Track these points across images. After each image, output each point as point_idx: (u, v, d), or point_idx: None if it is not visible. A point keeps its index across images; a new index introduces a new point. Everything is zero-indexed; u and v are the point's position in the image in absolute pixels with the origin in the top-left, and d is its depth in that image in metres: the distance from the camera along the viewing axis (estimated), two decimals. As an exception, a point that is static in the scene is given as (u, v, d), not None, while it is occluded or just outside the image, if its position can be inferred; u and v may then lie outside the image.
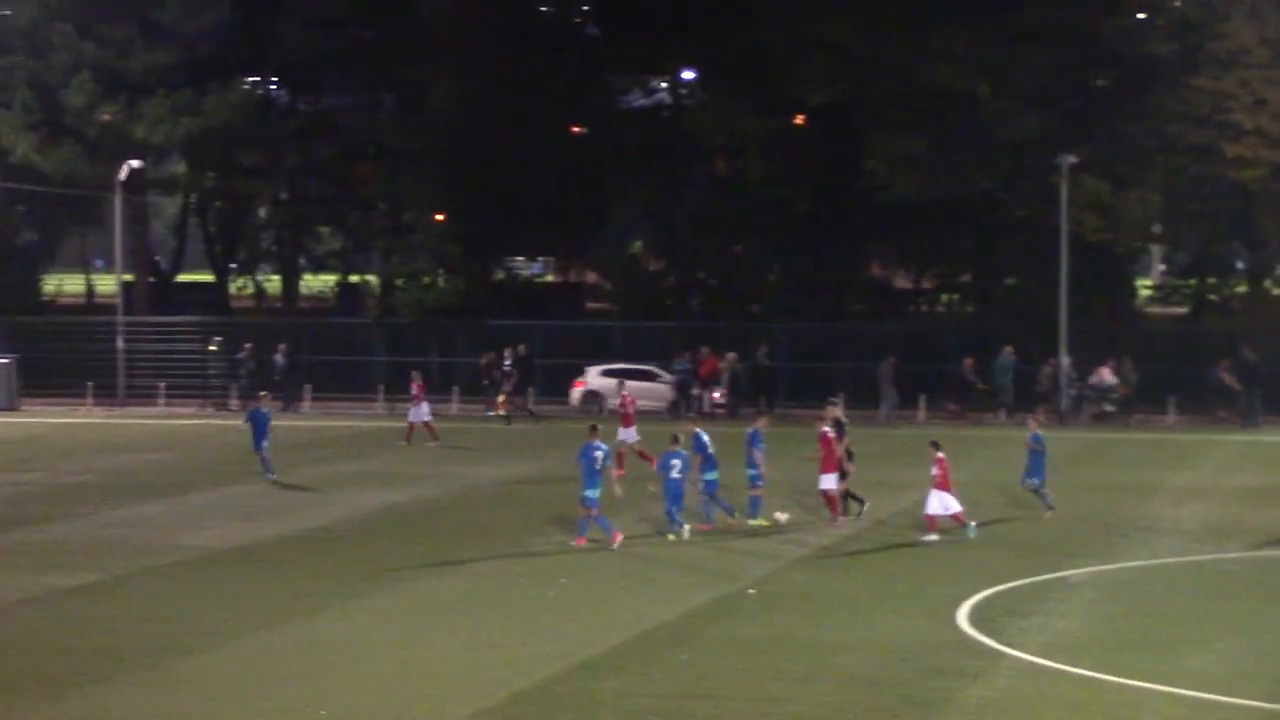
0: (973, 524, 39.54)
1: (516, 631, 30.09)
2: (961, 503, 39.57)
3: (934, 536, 39.03)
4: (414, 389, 63.56)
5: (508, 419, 68.14)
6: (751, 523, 41.81)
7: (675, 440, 40.60)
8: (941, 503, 39.22)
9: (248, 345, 78.01)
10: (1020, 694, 25.70)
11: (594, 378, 75.64)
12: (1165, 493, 48.31)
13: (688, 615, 31.53)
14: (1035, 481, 42.41)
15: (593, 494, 38.26)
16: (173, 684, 26.60)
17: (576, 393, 76.03)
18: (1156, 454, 58.78)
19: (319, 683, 26.45)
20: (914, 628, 30.35)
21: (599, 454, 38.71)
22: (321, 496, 47.20)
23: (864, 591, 33.83)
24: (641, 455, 49.43)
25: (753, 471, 42.01)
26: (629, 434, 50.82)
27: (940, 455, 39.38)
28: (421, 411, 62.45)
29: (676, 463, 39.85)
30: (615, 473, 42.31)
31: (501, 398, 70.08)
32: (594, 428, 40.04)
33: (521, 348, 76.20)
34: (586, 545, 38.31)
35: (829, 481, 41.23)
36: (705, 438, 41.38)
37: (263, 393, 58.76)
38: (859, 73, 79.25)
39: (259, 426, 49.23)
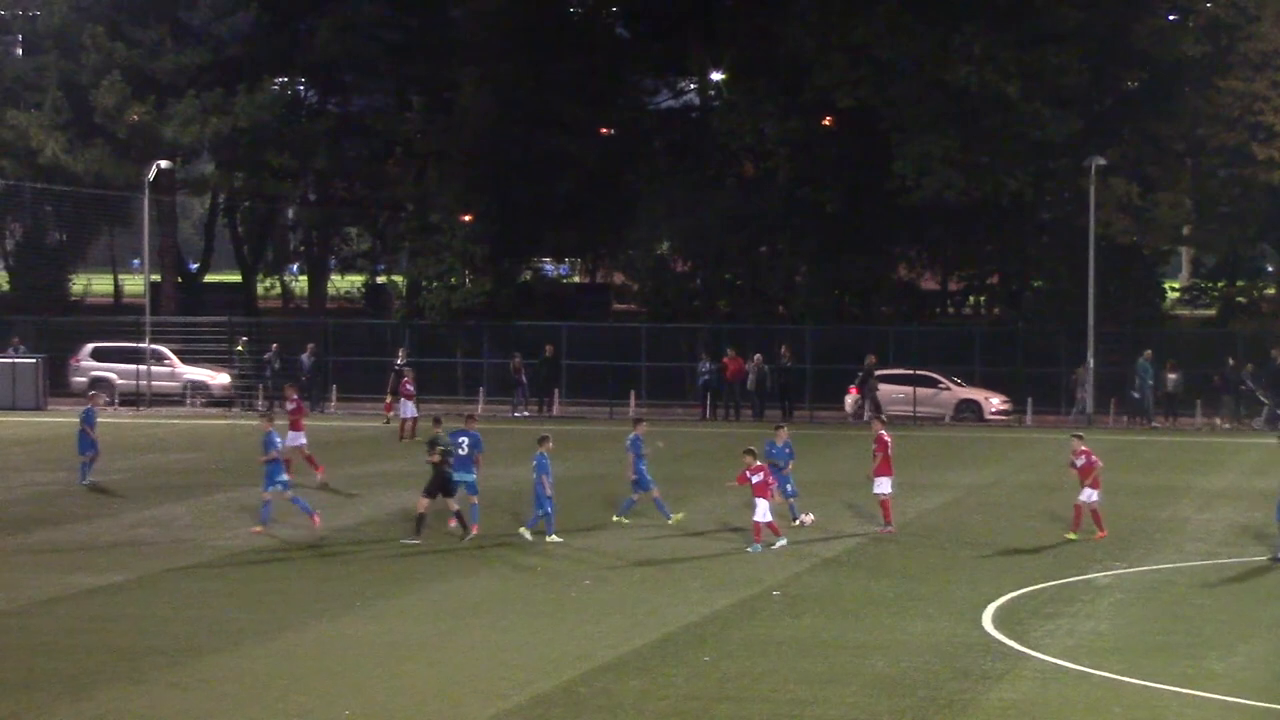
0: (781, 541, 39.00)
1: (540, 632, 30.05)
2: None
3: (757, 547, 38.39)
4: (405, 387, 64.82)
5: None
6: (616, 518, 42.36)
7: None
8: (764, 512, 38.60)
9: (274, 346, 78.19)
10: (1045, 697, 25.62)
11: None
12: (1193, 495, 48.18)
13: (712, 617, 31.47)
14: None
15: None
16: (198, 684, 26.59)
17: (850, 400, 74.17)
18: (1183, 457, 58.63)
19: (343, 683, 26.45)
20: (939, 630, 30.29)
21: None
22: (347, 497, 47.21)
23: (888, 594, 33.76)
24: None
25: (635, 476, 41.91)
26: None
27: (759, 464, 38.92)
28: (408, 409, 64.03)
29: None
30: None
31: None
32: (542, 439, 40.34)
33: (548, 349, 76.39)
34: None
35: (884, 485, 40.94)
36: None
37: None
38: (887, 74, 79.20)
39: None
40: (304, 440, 50.03)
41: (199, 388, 78.40)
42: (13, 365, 75.35)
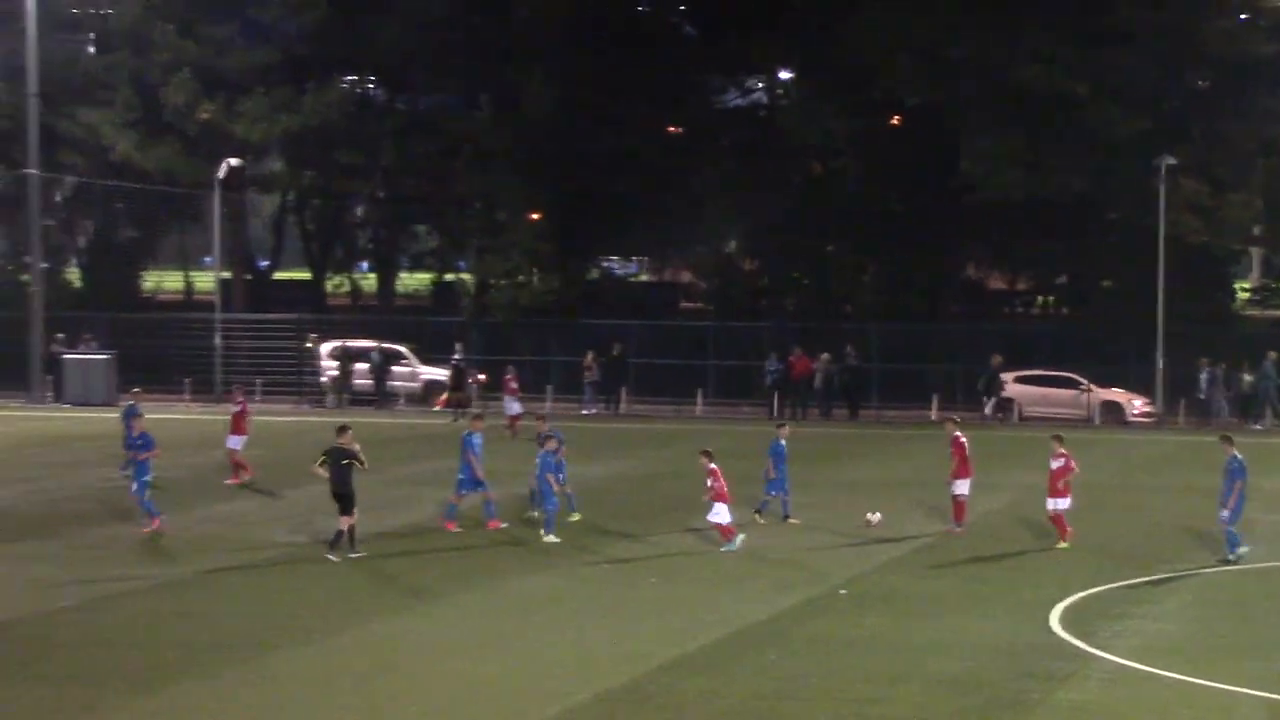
0: (740, 537, 38.66)
1: (605, 630, 30.09)
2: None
3: (741, 538, 38.41)
4: (508, 385, 65.11)
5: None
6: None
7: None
8: (720, 514, 38.40)
9: (343, 342, 78.52)
10: (1112, 697, 25.53)
11: (1008, 384, 73.71)
12: (1258, 497, 47.83)
13: (777, 615, 31.46)
14: None
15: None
16: (265, 678, 26.71)
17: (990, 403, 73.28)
18: (1249, 458, 58.14)
19: (409, 679, 26.54)
20: (1004, 630, 30.22)
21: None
22: (415, 493, 47.27)
23: (954, 593, 33.71)
24: None
25: (462, 476, 41.16)
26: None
27: (713, 466, 38.67)
28: (513, 405, 64.33)
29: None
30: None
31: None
32: None
33: (616, 347, 76.49)
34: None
35: (962, 487, 40.74)
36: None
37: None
38: (953, 73, 79.09)
39: None
40: (240, 444, 50.11)
41: (437, 386, 77.20)
42: (85, 361, 75.83)
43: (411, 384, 78.19)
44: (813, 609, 32.17)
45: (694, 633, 29.72)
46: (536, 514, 40.54)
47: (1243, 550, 37.27)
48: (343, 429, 38.55)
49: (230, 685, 26.16)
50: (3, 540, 39.42)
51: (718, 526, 38.50)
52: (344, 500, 37.14)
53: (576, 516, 41.56)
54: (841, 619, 31.24)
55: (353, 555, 36.87)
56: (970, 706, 24.94)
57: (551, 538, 39.29)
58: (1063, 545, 38.55)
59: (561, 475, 40.69)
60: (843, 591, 33.77)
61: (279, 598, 33.25)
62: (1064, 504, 38.91)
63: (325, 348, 79.11)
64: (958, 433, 41.33)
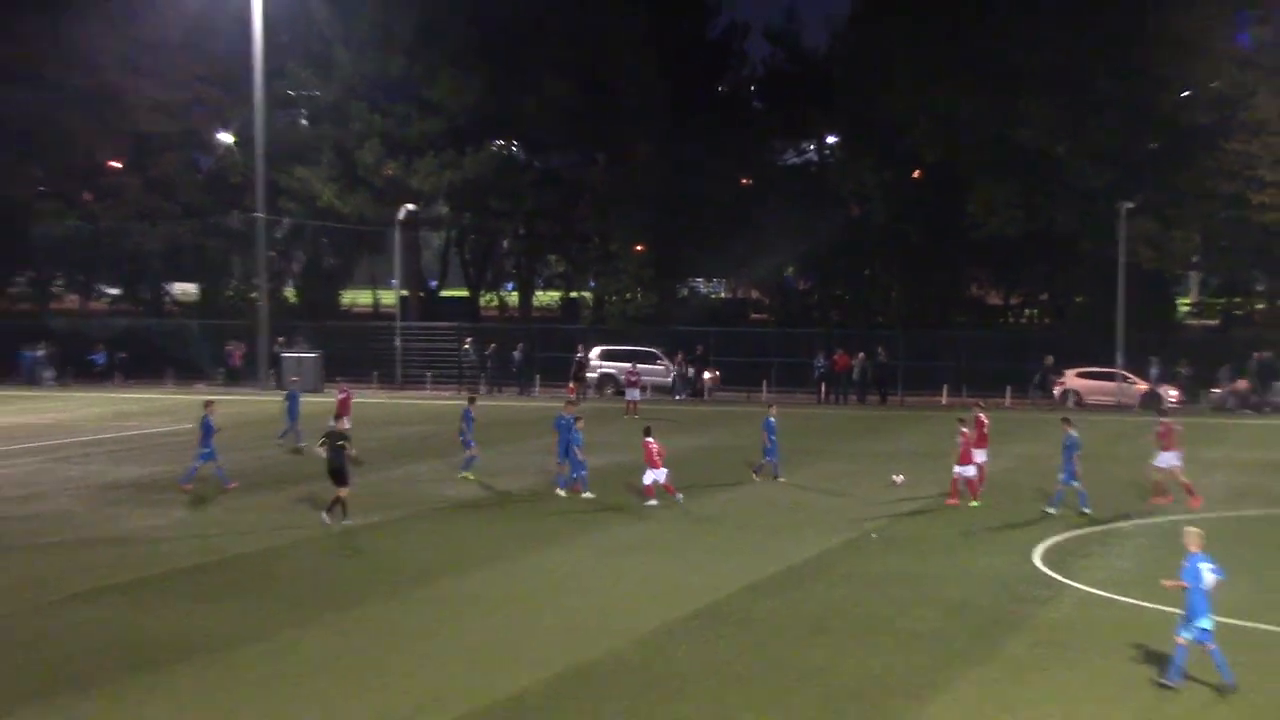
0: (680, 494, 38.26)
1: (691, 567, 30.13)
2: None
3: (653, 502, 37.84)
4: (629, 377, 66.46)
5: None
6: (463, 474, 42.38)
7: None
8: (655, 475, 38.00)
9: (493, 344, 78.87)
10: (1082, 617, 25.48)
11: (1070, 379, 71.42)
12: (1198, 464, 47.49)
13: (823, 554, 31.49)
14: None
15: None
16: (437, 600, 26.94)
17: (1059, 390, 71.21)
18: (1190, 434, 57.67)
19: (541, 601, 26.70)
20: (1000, 565, 30.16)
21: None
22: (546, 461, 47.50)
23: (961, 537, 33.62)
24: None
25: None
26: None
27: (649, 440, 38.26)
28: (632, 393, 65.51)
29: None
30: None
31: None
32: None
33: (699, 348, 76.61)
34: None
35: (980, 456, 39.36)
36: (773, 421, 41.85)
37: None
38: (962, 136, 78.86)
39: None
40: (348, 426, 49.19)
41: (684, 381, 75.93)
42: (298, 358, 76.57)
43: (664, 380, 75.88)
44: (850, 549, 32.17)
45: (761, 567, 29.78)
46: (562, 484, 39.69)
47: (1085, 510, 36.44)
48: (339, 416, 37.85)
49: (401, 606, 26.40)
50: (236, 494, 39.86)
51: (650, 485, 38.06)
52: (337, 475, 34.55)
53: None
54: (873, 557, 31.25)
55: (344, 523, 34.69)
56: (973, 624, 24.94)
57: (589, 494, 38.96)
58: (974, 504, 37.78)
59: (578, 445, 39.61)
60: (874, 536, 33.76)
61: (443, 540, 33.47)
62: (970, 470, 38.14)
63: (595, 351, 77.25)
64: (981, 414, 40.99)
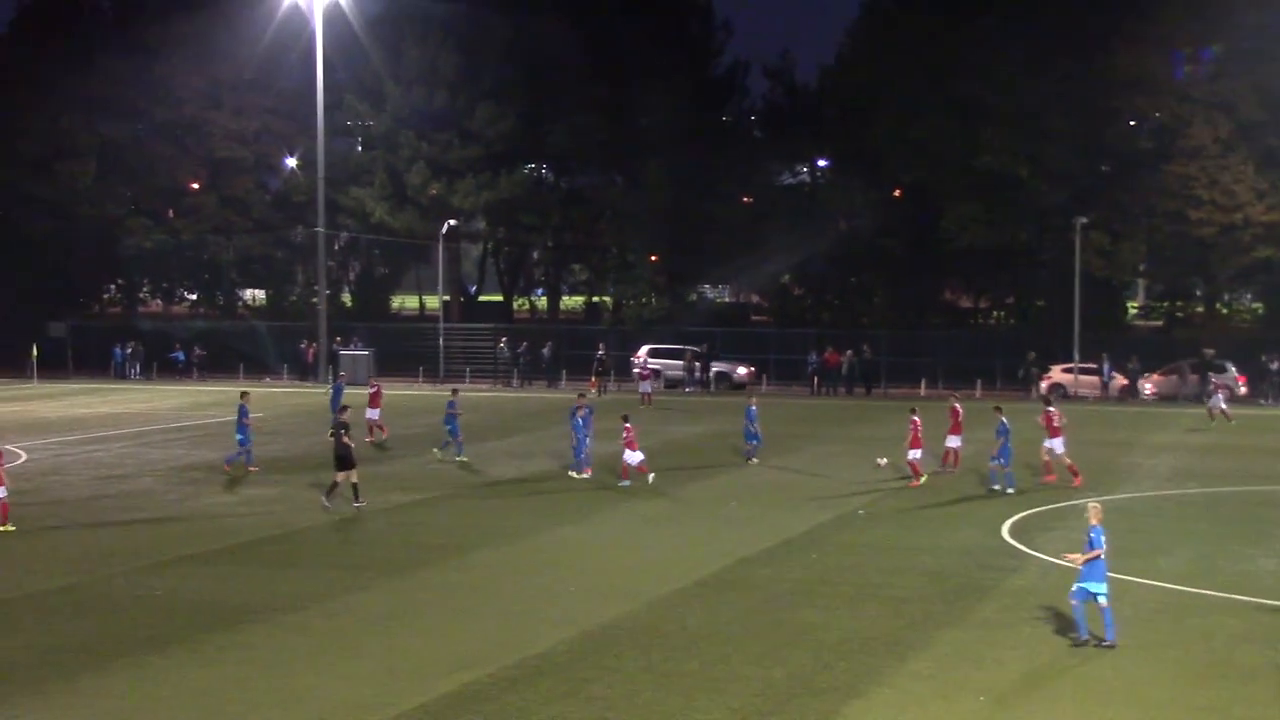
0: (651, 475, 37.73)
1: (699, 538, 30.07)
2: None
3: (626, 483, 37.46)
4: (641, 371, 65.15)
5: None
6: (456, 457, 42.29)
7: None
8: (631, 458, 37.63)
9: (524, 343, 78.77)
10: (1044, 583, 25.31)
11: (1057, 373, 70.15)
12: (1144, 448, 47.33)
13: (815, 528, 31.34)
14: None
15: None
16: (478, 567, 26.90)
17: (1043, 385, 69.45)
18: (1138, 420, 57.57)
19: (565, 570, 26.61)
20: (971, 537, 30.00)
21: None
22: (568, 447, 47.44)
23: (937, 512, 33.45)
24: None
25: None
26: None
27: (627, 425, 37.89)
28: (645, 385, 65.13)
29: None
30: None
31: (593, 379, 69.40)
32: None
33: (705, 346, 76.39)
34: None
35: (954, 441, 39.27)
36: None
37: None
38: (936, 160, 78.69)
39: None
40: (378, 415, 47.97)
41: (723, 376, 75.03)
42: (353, 355, 76.58)
43: (707, 375, 75.11)
44: (840, 523, 32.02)
45: (760, 539, 29.67)
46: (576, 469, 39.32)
47: (1010, 490, 36.02)
48: (343, 408, 36.32)
49: (442, 573, 26.37)
50: (304, 473, 39.82)
51: (626, 466, 37.71)
52: (341, 460, 33.24)
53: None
54: (860, 530, 31.10)
55: (327, 504, 33.48)
56: (948, 589, 24.79)
57: (587, 474, 38.55)
58: (918, 484, 37.26)
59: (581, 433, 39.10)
60: (861, 512, 33.59)
61: (481, 515, 33.39)
62: (918, 453, 37.63)
63: (643, 350, 74.57)
64: (956, 404, 40.76)
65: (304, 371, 79.72)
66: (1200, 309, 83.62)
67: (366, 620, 22.52)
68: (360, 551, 28.49)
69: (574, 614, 22.76)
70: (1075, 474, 37.54)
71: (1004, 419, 36.67)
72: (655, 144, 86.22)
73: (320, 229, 79.24)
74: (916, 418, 38.20)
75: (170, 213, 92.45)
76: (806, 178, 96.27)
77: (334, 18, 75.98)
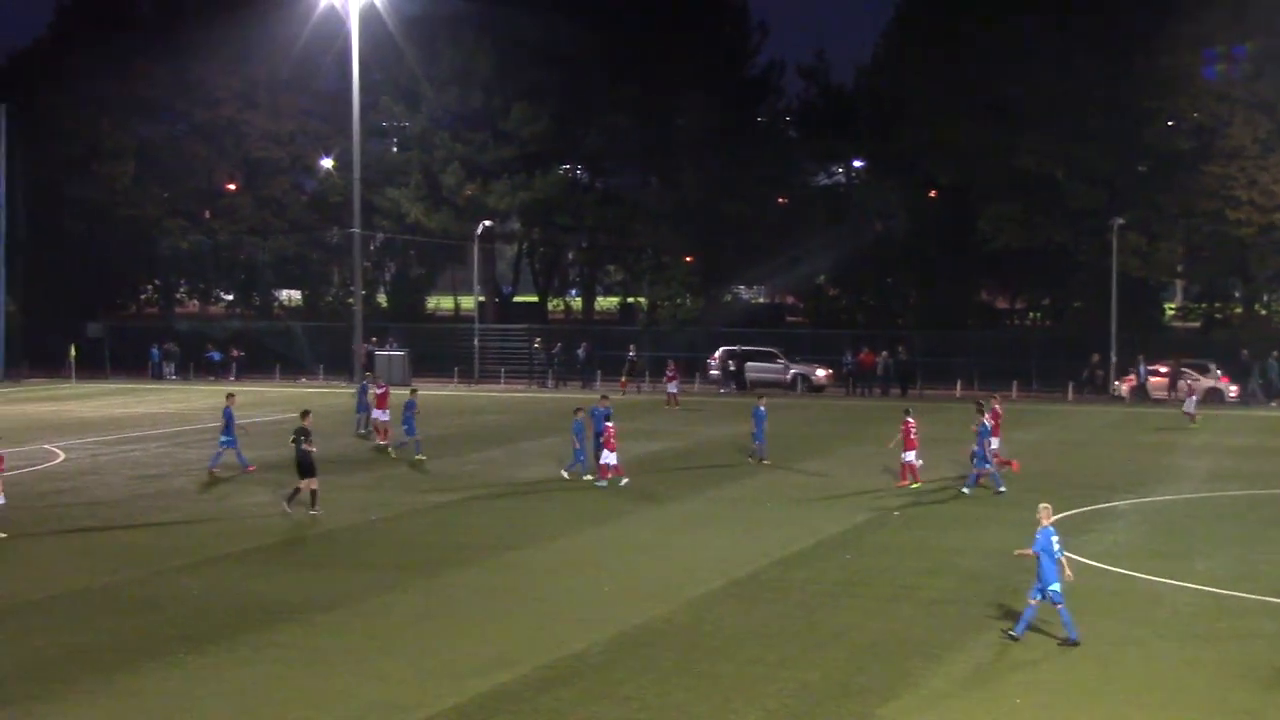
0: (625, 479, 37.44)
1: (735, 539, 29.99)
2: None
3: (604, 483, 37.19)
4: (670, 371, 64.81)
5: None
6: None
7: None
8: (609, 458, 37.39)
9: (559, 344, 78.81)
10: (1081, 585, 25.05)
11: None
12: (1183, 449, 47.02)
13: (851, 529, 31.24)
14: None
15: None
16: (510, 568, 26.88)
17: (1125, 387, 68.73)
18: (1177, 422, 57.17)
19: (599, 571, 26.58)
20: (1007, 539, 29.70)
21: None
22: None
23: (973, 514, 33.27)
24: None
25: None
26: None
27: (609, 425, 37.72)
28: (672, 386, 64.38)
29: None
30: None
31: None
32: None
33: (738, 348, 76.25)
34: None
35: (994, 444, 38.39)
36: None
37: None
38: (972, 161, 78.40)
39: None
40: (386, 416, 47.12)
41: (803, 378, 74.28)
42: (389, 355, 76.72)
43: (782, 375, 74.51)
44: (875, 524, 31.91)
45: (796, 540, 29.58)
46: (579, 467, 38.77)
47: (1001, 489, 36.07)
48: (305, 413, 34.30)
49: (477, 574, 26.36)
50: (338, 474, 39.91)
51: (603, 467, 37.46)
52: (301, 467, 32.39)
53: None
54: (896, 531, 30.98)
55: (288, 509, 32.55)
56: (985, 591, 24.68)
57: (588, 476, 38.12)
58: (916, 485, 37.08)
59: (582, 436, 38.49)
60: (896, 513, 33.47)
61: (514, 516, 33.37)
62: (912, 455, 37.44)
63: (719, 351, 75.10)
64: (997, 405, 40.46)
65: (351, 372, 79.60)
66: (1239, 310, 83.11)
67: (401, 620, 22.53)
68: (395, 552, 28.50)
69: (609, 615, 22.70)
70: (1009, 463, 38.16)
71: (985, 420, 36.69)
72: (690, 145, 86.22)
73: (356, 230, 79.42)
74: (910, 419, 38.03)
75: (207, 213, 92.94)
76: (841, 178, 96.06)
77: (369, 19, 76.16)
